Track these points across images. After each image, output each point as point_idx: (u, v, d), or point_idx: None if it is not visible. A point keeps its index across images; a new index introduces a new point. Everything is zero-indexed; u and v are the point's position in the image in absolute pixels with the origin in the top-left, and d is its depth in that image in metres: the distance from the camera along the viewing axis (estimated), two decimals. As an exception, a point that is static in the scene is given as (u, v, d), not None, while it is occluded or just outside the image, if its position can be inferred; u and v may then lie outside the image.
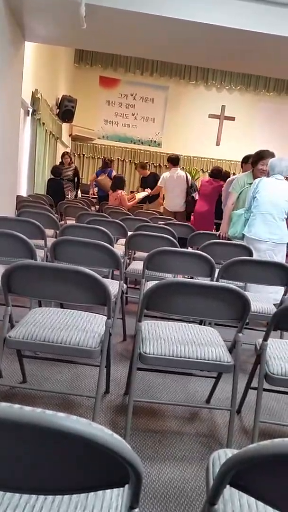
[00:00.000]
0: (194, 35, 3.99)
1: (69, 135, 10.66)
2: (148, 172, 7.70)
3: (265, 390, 1.73)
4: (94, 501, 0.81)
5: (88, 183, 8.91)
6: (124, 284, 2.61)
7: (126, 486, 0.67)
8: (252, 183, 3.82)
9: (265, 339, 1.68)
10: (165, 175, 6.51)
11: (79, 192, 8.40)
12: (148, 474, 1.56)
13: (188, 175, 6.56)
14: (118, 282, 2.53)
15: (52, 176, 7.30)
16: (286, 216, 3.39)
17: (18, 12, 3.93)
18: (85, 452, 0.61)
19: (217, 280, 2.40)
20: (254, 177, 3.80)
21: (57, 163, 8.09)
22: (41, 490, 0.72)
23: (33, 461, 0.64)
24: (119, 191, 6.54)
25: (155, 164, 11.57)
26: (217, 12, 3.71)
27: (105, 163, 7.75)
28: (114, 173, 7.64)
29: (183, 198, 6.35)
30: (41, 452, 0.62)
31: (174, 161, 6.43)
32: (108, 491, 0.83)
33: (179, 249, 2.78)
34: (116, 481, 0.68)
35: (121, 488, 0.84)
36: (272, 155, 3.74)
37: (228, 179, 5.29)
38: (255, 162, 3.86)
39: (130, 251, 3.55)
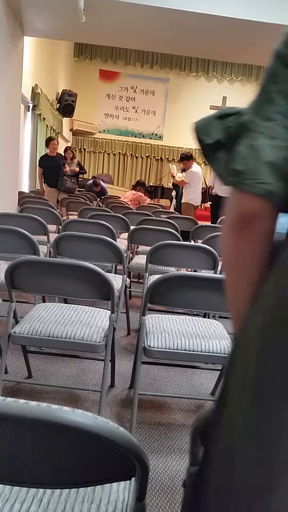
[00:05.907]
0: (194, 26, 3.96)
1: (70, 130, 10.63)
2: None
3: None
4: (101, 494, 0.81)
5: (90, 178, 8.86)
6: (127, 278, 2.61)
7: (133, 479, 0.68)
8: None
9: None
10: (195, 170, 6.09)
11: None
12: (155, 466, 1.57)
13: None
14: (122, 276, 2.53)
15: None
16: None
17: (16, 7, 3.90)
18: (91, 445, 0.62)
19: (220, 273, 2.40)
20: None
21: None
22: (48, 484, 0.72)
23: (39, 455, 0.64)
24: (141, 192, 6.76)
25: (156, 158, 11.53)
26: (216, 2, 3.68)
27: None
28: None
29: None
30: (47, 446, 0.63)
31: (190, 157, 6.27)
32: (115, 484, 0.84)
33: (182, 242, 2.77)
34: (123, 474, 0.68)
35: (128, 481, 0.84)
36: None
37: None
38: None
39: (133, 245, 3.55)
